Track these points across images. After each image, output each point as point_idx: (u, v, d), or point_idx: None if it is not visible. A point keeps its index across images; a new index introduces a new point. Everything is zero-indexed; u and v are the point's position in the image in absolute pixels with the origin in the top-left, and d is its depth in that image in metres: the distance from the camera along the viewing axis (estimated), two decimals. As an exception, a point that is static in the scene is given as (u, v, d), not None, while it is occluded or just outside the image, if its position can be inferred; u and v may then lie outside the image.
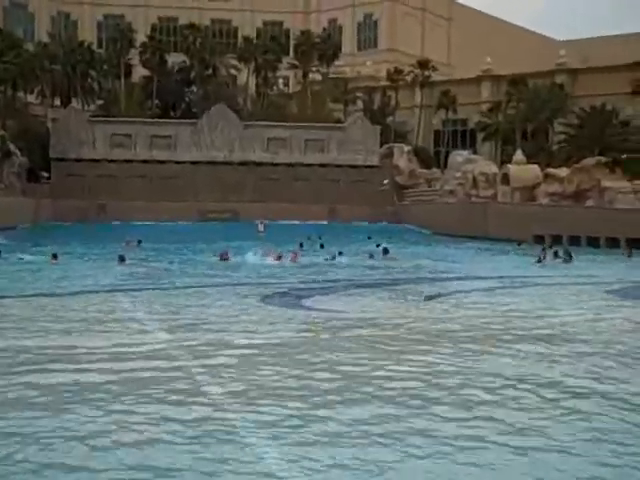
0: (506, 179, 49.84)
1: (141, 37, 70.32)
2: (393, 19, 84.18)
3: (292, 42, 77.42)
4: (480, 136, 65.54)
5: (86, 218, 54.43)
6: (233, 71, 71.75)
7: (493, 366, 10.72)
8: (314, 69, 70.83)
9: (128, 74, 68.72)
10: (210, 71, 69.46)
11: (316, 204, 58.26)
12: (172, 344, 12.17)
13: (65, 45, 68.01)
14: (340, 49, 77.17)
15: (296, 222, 54.13)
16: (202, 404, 8.56)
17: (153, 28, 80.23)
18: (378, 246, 35.03)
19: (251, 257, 30.51)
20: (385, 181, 61.05)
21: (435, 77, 70.08)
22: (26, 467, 6.63)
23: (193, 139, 60.65)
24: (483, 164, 54.68)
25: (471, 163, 54.97)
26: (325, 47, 70.82)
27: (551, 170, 48.85)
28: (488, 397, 9.00)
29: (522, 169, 49.41)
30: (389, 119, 68.45)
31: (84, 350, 11.50)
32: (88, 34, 79.95)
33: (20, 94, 63.46)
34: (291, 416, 8.07)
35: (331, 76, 70.65)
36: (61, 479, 6.49)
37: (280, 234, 43.38)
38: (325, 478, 6.53)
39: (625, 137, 53.92)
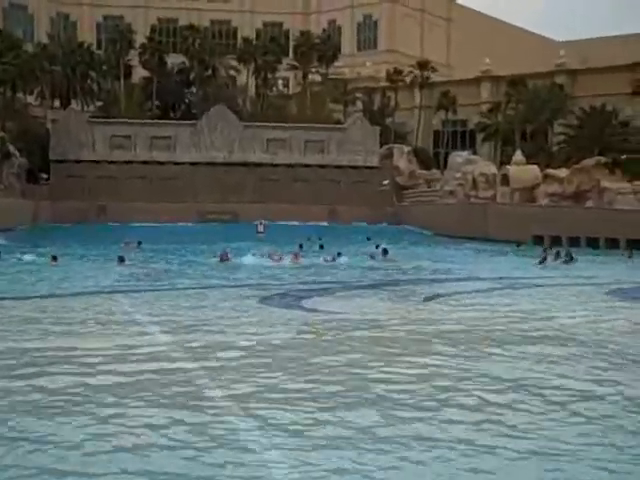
0: (506, 180, 49.84)
1: (141, 38, 70.29)
2: (392, 20, 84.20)
3: (292, 43, 77.43)
4: (480, 137, 65.57)
5: (86, 219, 54.41)
6: (233, 72, 71.72)
7: (493, 368, 10.71)
8: (314, 70, 70.81)
9: (128, 75, 68.70)
10: (210, 72, 69.47)
11: (316, 205, 58.26)
12: (172, 346, 12.16)
13: (64, 46, 67.99)
14: (340, 50, 77.20)
15: (296, 223, 54.10)
16: (202, 407, 8.53)
17: (153, 29, 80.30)
18: (377, 247, 35.01)
19: (251, 258, 30.50)
20: (385, 182, 61.04)
21: (435, 78, 70.10)
22: (22, 473, 6.56)
23: (193, 140, 60.64)
24: (483, 165, 54.68)
25: (471, 164, 54.97)
26: (325, 48, 70.80)
27: (551, 171, 48.84)
28: (488, 400, 8.97)
29: (522, 170, 49.40)
30: (389, 120, 68.45)
31: (83, 352, 11.49)
32: (88, 35, 79.96)
33: (20, 95, 63.42)
34: (292, 419, 8.05)
35: (331, 77, 70.65)
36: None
37: (280, 235, 43.36)
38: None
39: (625, 137, 53.94)
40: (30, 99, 65.79)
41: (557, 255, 32.24)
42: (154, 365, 10.64)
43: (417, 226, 54.97)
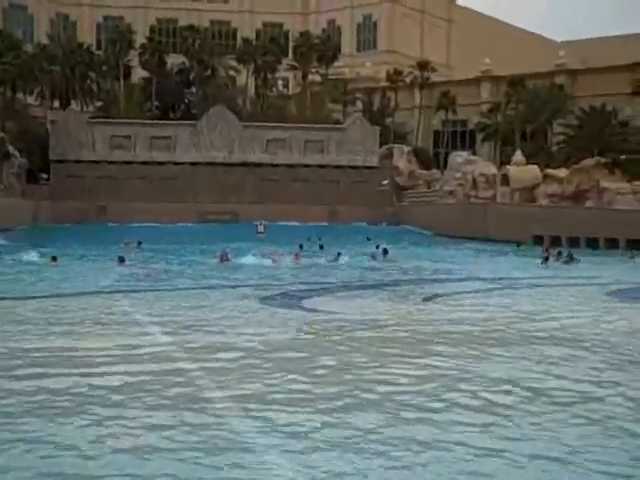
0: (505, 180, 49.85)
1: (140, 38, 70.28)
2: (392, 20, 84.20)
3: (291, 43, 77.44)
4: (479, 137, 65.58)
5: (86, 219, 54.43)
6: (232, 72, 71.70)
7: (493, 368, 10.70)
8: (313, 70, 70.81)
9: (127, 75, 68.68)
10: (209, 72, 69.46)
11: (316, 205, 58.28)
12: (172, 346, 12.15)
13: (64, 46, 67.96)
14: (339, 50, 77.15)
15: (295, 223, 54.10)
16: (202, 408, 8.51)
17: (152, 29, 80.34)
18: (377, 247, 35.02)
19: (251, 258, 30.50)
20: (384, 182, 61.06)
21: (434, 78, 70.11)
22: (21, 475, 6.53)
23: (192, 140, 60.64)
24: (482, 165, 54.69)
25: (471, 164, 54.98)
26: (324, 48, 70.79)
27: (550, 171, 48.86)
28: (488, 401, 8.97)
29: (521, 170, 49.42)
30: (388, 120, 68.45)
31: (83, 352, 11.49)
32: (87, 35, 79.98)
33: (19, 95, 63.41)
34: (292, 420, 8.03)
35: (330, 77, 70.64)
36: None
37: (280, 235, 43.38)
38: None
39: (624, 138, 53.94)
40: (30, 99, 65.78)
41: (559, 255, 32.31)
42: (154, 366, 10.63)
43: (417, 226, 54.97)
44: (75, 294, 19.61)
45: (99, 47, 75.79)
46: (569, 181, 46.75)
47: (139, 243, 37.39)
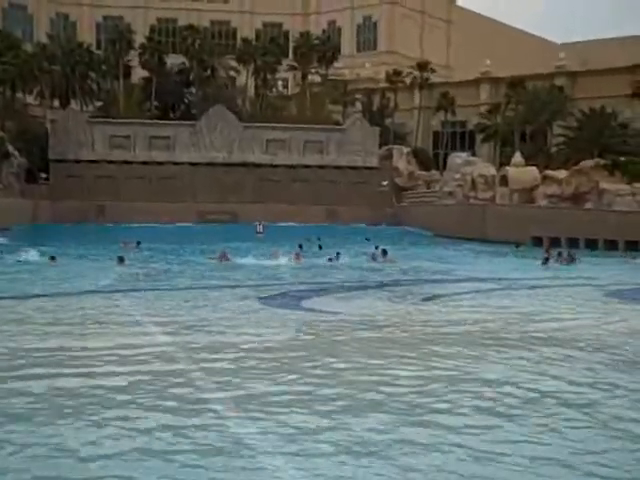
0: (505, 181, 49.88)
1: (140, 38, 70.17)
2: (392, 21, 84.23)
3: (291, 44, 77.41)
4: (479, 138, 65.58)
5: (85, 219, 54.44)
6: (232, 72, 71.67)
7: (492, 369, 10.68)
8: (313, 71, 70.77)
9: (127, 75, 68.60)
10: (209, 72, 69.41)
11: (315, 206, 58.29)
12: (171, 346, 12.14)
13: (64, 46, 67.85)
14: (339, 51, 77.10)
15: (295, 224, 54.11)
16: (202, 409, 8.47)
17: (152, 29, 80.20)
18: (377, 248, 35.02)
19: (251, 258, 30.53)
20: (384, 182, 61.07)
21: (434, 79, 70.11)
22: (20, 477, 6.49)
23: (192, 140, 60.62)
24: (482, 166, 54.70)
25: (470, 165, 55.02)
26: (324, 49, 70.74)
27: (550, 172, 48.88)
28: (487, 402, 8.95)
29: (521, 171, 49.44)
30: (388, 121, 68.45)
31: (83, 352, 11.46)
32: (87, 35, 79.92)
33: (19, 95, 63.34)
34: (292, 422, 8.01)
35: (330, 78, 70.60)
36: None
37: (279, 235, 43.41)
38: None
39: (624, 139, 53.99)
40: (29, 99, 65.71)
41: (559, 256, 32.36)
42: (154, 366, 10.61)
43: (416, 227, 54.98)
44: (74, 294, 19.60)
45: (99, 47, 75.73)
46: (568, 182, 46.77)
47: (138, 243, 37.40)
